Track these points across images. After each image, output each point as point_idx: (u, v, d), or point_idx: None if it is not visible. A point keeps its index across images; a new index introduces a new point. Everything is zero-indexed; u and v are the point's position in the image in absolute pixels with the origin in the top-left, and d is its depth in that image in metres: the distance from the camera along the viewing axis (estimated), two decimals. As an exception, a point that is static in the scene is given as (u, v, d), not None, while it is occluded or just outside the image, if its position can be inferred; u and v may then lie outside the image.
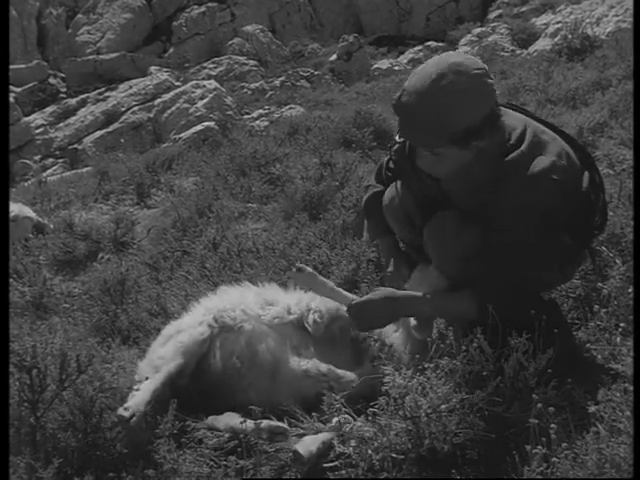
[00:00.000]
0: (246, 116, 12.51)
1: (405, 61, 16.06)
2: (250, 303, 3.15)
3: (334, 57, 15.75)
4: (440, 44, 16.92)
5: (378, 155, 6.89)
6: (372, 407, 2.56)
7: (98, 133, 13.36)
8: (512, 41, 16.63)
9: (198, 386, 3.00)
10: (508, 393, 2.52)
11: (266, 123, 11.49)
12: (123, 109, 13.77)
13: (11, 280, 4.82)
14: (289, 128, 8.90)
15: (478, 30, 17.34)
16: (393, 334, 3.05)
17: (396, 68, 15.32)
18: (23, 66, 16.29)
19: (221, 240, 4.86)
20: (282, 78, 14.78)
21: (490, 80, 2.86)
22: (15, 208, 6.17)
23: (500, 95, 2.96)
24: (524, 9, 18.56)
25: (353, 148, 7.25)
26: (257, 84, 14.66)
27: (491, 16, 19.35)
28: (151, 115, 13.32)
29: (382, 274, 3.67)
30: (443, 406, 2.41)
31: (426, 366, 2.54)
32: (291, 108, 12.05)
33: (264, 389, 2.92)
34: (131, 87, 14.37)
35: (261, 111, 12.56)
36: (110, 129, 13.39)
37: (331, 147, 7.12)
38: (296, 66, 15.84)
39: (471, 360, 2.52)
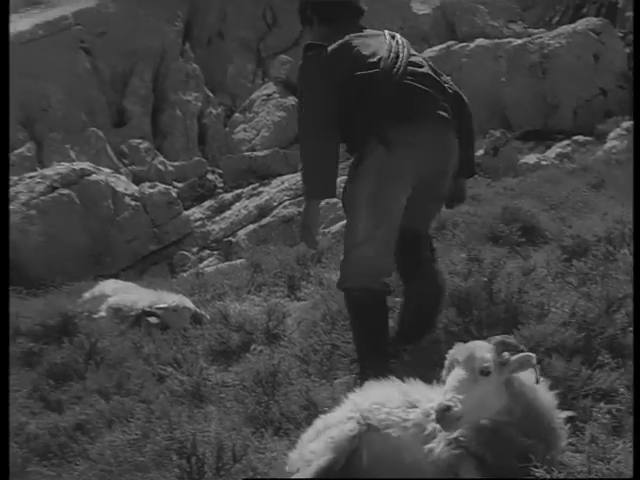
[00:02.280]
0: (394, 210, 12.67)
1: (552, 155, 15.80)
2: (395, 404, 3.18)
3: (481, 152, 15.75)
4: (588, 138, 16.63)
5: (527, 251, 6.84)
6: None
7: (251, 226, 13.94)
8: (665, 133, 16.13)
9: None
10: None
11: (413, 217, 11.60)
12: (275, 204, 14.33)
13: (171, 369, 5.08)
14: (437, 223, 8.96)
15: (627, 124, 16.94)
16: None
17: (543, 163, 15.09)
18: (185, 163, 17.37)
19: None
20: (430, 173, 14.93)
21: None
22: (176, 299, 6.51)
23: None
24: (678, 100, 18.02)
25: (501, 244, 7.20)
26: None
27: (642, 108, 18.90)
28: (301, 209, 13.75)
29: None
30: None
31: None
32: (438, 203, 12.12)
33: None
34: (283, 182, 14.97)
35: (408, 205, 12.69)
36: (262, 223, 13.93)
37: (478, 242, 7.11)
38: (444, 162, 15.96)
39: None
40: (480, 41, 20.39)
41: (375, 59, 4.03)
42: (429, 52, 20.58)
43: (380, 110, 3.95)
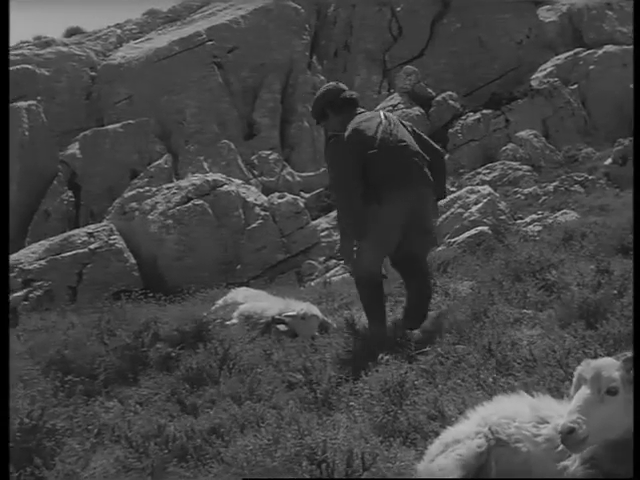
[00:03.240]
0: (519, 221, 12.48)
1: (682, 163, 15.14)
2: (525, 419, 3.16)
3: (609, 161, 15.29)
4: None
5: (660, 263, 6.61)
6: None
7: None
8: None
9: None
10: None
11: (539, 228, 11.39)
12: (400, 214, 14.29)
13: (300, 376, 5.21)
14: (563, 234, 8.80)
15: None
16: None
17: (675, 171, 14.49)
18: (312, 174, 17.65)
19: (497, 346, 4.92)
20: (555, 183, 14.57)
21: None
22: (304, 306, 6.65)
23: None
24: None
25: (631, 255, 7.01)
26: (530, 189, 14.56)
27: None
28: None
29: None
30: None
31: None
32: (565, 213, 11.88)
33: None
34: (408, 192, 14.97)
35: (534, 216, 12.47)
36: (388, 233, 13.92)
37: (608, 254, 6.96)
38: (570, 171, 15.53)
39: None
40: (608, 47, 19.81)
41: (376, 141, 5.79)
42: (555, 60, 20.12)
43: (376, 179, 5.74)
